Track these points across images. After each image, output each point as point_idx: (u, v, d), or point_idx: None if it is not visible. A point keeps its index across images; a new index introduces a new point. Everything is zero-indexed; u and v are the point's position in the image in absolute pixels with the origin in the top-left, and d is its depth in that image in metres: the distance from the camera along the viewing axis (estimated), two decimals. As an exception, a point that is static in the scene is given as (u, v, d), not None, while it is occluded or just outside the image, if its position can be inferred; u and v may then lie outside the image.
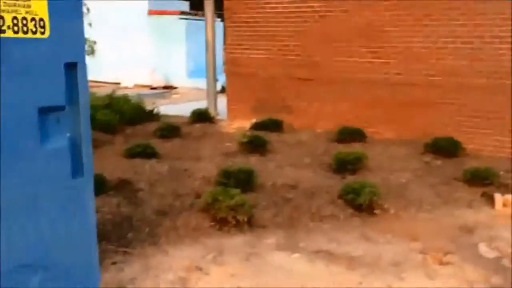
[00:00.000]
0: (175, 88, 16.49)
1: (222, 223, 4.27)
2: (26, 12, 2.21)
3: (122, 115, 8.18)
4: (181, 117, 9.15)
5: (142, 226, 4.15)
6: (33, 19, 2.24)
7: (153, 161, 6.05)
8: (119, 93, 10.45)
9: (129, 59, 16.61)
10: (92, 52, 8.09)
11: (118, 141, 7.10)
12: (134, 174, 5.50)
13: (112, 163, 5.92)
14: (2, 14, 2.11)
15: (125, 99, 9.01)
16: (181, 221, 4.30)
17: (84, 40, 2.52)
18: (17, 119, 2.21)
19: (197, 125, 8.48)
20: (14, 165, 2.21)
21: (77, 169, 2.50)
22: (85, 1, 8.04)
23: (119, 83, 16.11)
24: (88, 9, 7.78)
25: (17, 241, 2.22)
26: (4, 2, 2.12)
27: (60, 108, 2.42)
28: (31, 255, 2.28)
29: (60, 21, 2.36)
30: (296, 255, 3.90)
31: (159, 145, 6.84)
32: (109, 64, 16.45)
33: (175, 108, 10.94)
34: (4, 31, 2.13)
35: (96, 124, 7.49)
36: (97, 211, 4.40)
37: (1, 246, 2.15)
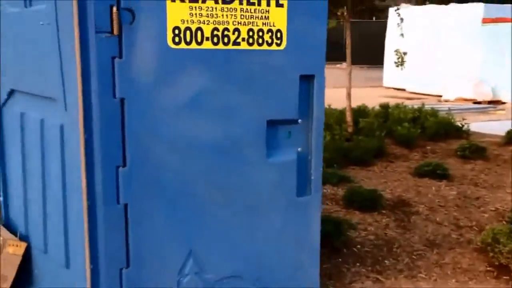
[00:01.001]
0: (503, 103, 14.84)
1: (501, 271, 3.53)
2: (263, 24, 2.21)
3: (425, 129, 7.74)
4: (495, 136, 8.11)
5: (403, 254, 3.77)
6: (269, 30, 2.22)
7: (442, 183, 5.49)
8: (435, 106, 9.98)
9: (454, 70, 15.75)
10: (401, 63, 7.87)
11: (413, 157, 6.73)
12: (415, 195, 5.09)
13: (398, 180, 5.63)
14: (238, 26, 2.15)
15: (433, 112, 8.51)
16: (450, 258, 3.74)
17: (324, 52, 2.37)
18: (245, 130, 2.23)
19: (511, 148, 7.36)
20: (238, 175, 2.24)
21: (303, 186, 2.40)
22: (400, 11, 7.90)
23: (440, 96, 15.46)
24: (402, 19, 7.60)
25: (233, 251, 2.25)
26: (242, 15, 2.15)
27: (292, 122, 2.35)
28: (245, 267, 2.27)
29: (300, 32, 2.29)
30: None
31: (455, 166, 6.19)
32: (431, 75, 15.95)
33: (493, 126, 9.79)
34: (238, 44, 2.17)
35: (395, 138, 7.31)
36: (363, 229, 4.24)
37: (214, 253, 2.20)
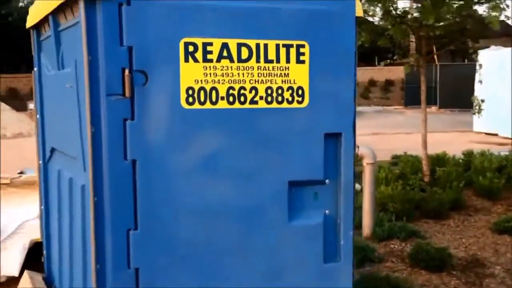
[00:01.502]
0: None
1: None
2: (282, 81, 2.11)
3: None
4: None
5: (469, 324, 3.39)
6: (290, 88, 2.13)
7: (524, 242, 4.96)
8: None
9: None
10: (479, 111, 7.36)
11: (496, 211, 6.17)
12: (492, 254, 4.62)
13: (474, 236, 5.16)
14: (255, 85, 2.08)
15: (521, 160, 7.83)
16: (524, 331, 3.30)
17: (353, 108, 2.22)
18: (265, 192, 2.12)
19: None
20: (258, 239, 2.12)
21: (332, 253, 2.22)
22: (486, 54, 7.48)
23: (538, 142, 14.30)
24: (480, 65, 7.17)
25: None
26: (259, 73, 2.08)
27: (318, 182, 2.20)
28: None
29: (324, 89, 2.17)
30: None
31: (544, 221, 5.58)
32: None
33: None
34: (256, 102, 2.08)
35: (476, 189, 6.77)
36: (428, 292, 3.88)
37: (228, 323, 2.07)
